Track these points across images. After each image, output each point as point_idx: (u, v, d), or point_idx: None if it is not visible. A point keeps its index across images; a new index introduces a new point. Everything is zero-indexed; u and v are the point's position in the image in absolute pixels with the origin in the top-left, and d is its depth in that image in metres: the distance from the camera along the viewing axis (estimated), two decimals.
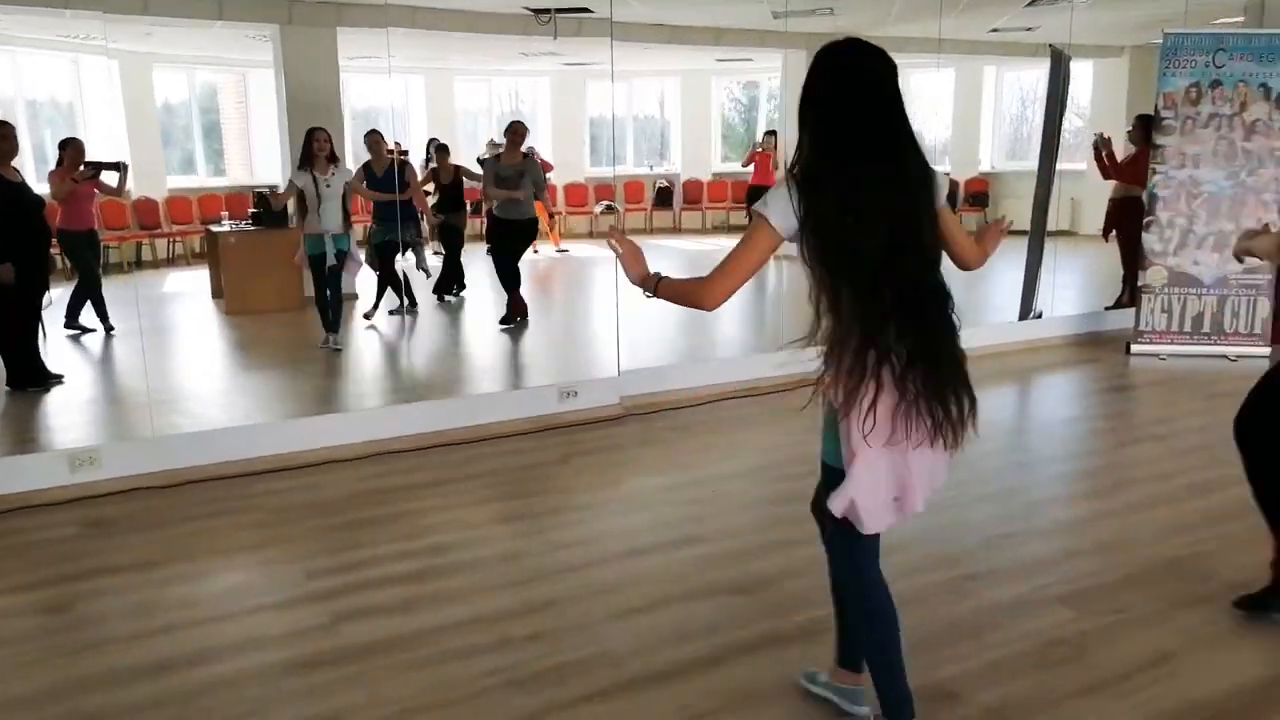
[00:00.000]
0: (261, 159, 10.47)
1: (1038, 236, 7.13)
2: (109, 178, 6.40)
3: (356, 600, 3.05)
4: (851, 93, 1.98)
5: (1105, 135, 7.19)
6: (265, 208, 8.34)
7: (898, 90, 2.02)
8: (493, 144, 11.09)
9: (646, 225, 13.14)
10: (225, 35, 9.64)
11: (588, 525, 3.67)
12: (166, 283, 9.67)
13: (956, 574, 3.19)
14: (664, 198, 13.67)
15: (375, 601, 3.04)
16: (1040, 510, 3.83)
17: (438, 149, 8.54)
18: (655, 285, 2.18)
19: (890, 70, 2.02)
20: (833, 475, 2.18)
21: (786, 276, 10.47)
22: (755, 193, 11.38)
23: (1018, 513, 3.78)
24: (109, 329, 6.39)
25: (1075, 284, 8.53)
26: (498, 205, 7.15)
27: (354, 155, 10.81)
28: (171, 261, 10.27)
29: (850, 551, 2.26)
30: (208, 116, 11.88)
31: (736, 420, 5.09)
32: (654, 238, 12.81)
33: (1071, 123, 13.72)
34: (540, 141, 12.40)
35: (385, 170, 7.22)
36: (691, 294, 2.13)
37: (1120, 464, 4.42)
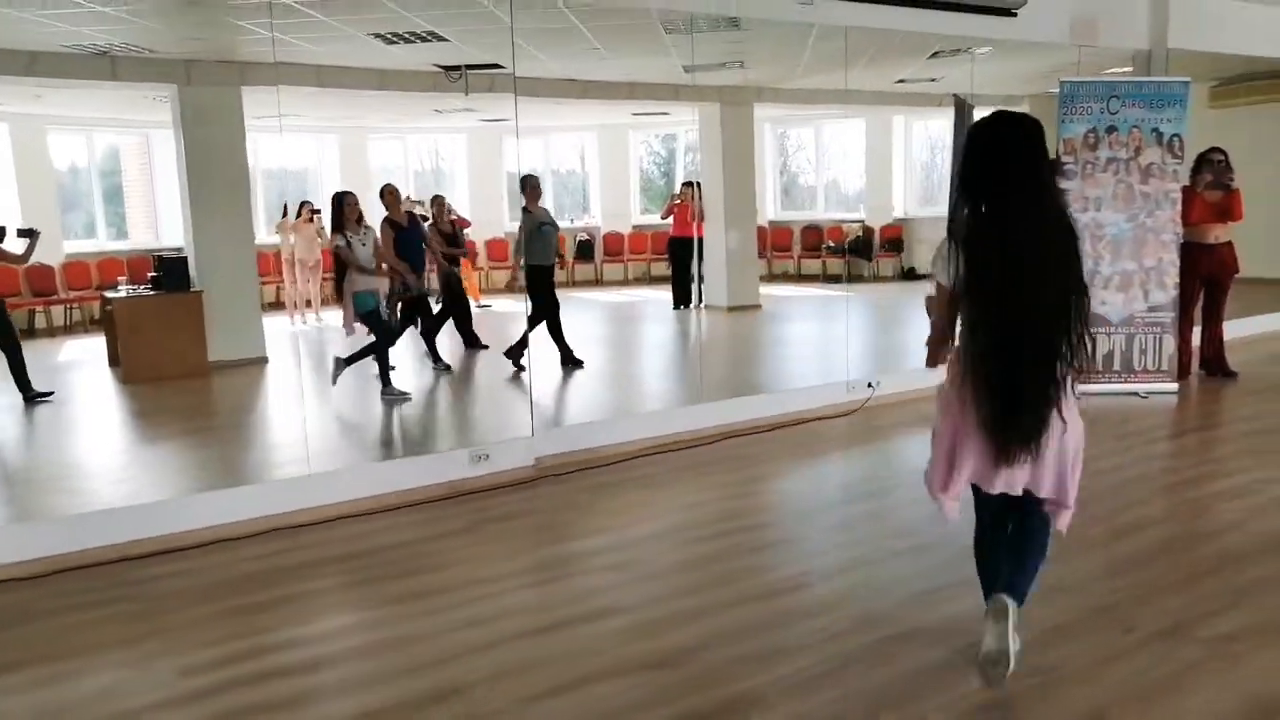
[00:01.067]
0: (168, 221, 10.15)
1: None
2: (14, 244, 6.33)
3: (237, 699, 2.78)
4: (984, 161, 2.45)
5: None
6: (167, 271, 8.05)
7: (1033, 153, 2.45)
8: (409, 200, 10.91)
9: (569, 278, 13.06)
10: (124, 97, 9.34)
11: (496, 600, 3.44)
12: (62, 351, 9.21)
13: (879, 636, 3.06)
14: (585, 250, 13.62)
15: (258, 699, 2.77)
16: (964, 562, 3.71)
17: (436, 201, 8.69)
18: None
19: (1024, 137, 2.45)
20: None
21: (706, 327, 10.45)
22: (675, 243, 11.38)
23: (941, 566, 3.68)
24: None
25: None
26: (541, 254, 7.43)
27: (265, 213, 10.56)
28: (69, 329, 9.82)
29: None
30: (111, 179, 11.49)
31: (656, 478, 4.93)
32: (576, 290, 12.71)
33: None
34: (458, 198, 12.29)
35: (409, 222, 7.33)
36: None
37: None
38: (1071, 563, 3.67)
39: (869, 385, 6.24)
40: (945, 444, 2.68)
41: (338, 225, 6.37)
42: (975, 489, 2.78)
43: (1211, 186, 6.43)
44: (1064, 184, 6.37)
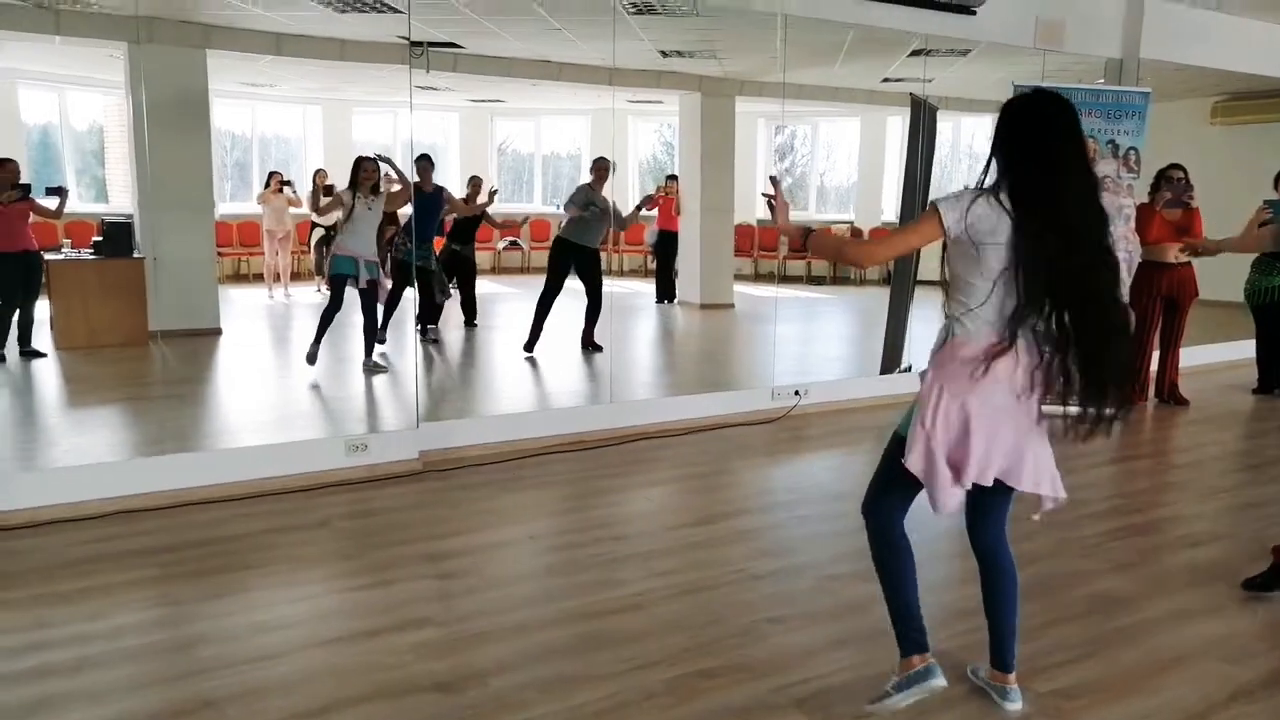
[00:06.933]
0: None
1: (901, 288, 6.93)
2: (48, 201, 6.77)
3: None
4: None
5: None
6: (110, 236, 7.92)
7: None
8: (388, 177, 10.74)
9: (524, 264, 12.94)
10: (94, 55, 9.18)
11: (304, 604, 3.25)
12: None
13: (690, 670, 2.83)
14: None
15: None
16: (827, 590, 3.49)
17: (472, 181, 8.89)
18: (806, 237, 2.57)
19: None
20: None
21: (669, 324, 10.23)
22: (663, 236, 11.15)
23: (801, 592, 3.45)
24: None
25: None
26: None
27: (229, 183, 10.42)
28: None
29: None
30: (92, 139, 11.33)
31: (543, 479, 4.72)
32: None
33: (972, 174, 13.78)
34: (449, 176, 12.12)
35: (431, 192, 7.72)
36: (851, 252, 2.63)
37: (925, 537, 4.10)
38: (937, 595, 3.44)
39: (795, 393, 6.00)
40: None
41: (351, 184, 6.57)
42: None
43: (1171, 205, 6.11)
44: None
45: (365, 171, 6.54)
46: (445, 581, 3.44)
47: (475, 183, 8.90)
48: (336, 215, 7.10)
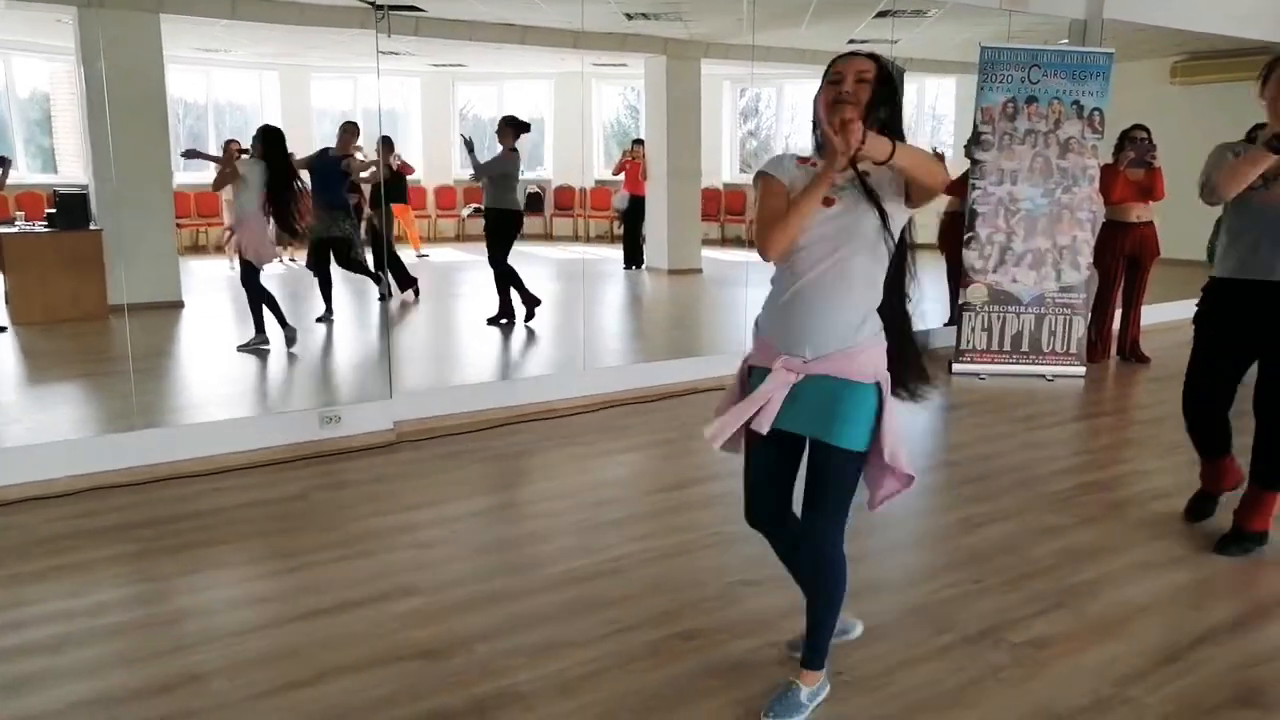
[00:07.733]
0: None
1: None
2: None
3: None
4: None
5: (939, 151, 7.10)
6: (64, 207, 7.76)
7: None
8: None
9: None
10: (34, 18, 8.89)
11: (287, 576, 3.24)
12: None
13: (670, 632, 2.87)
14: (534, 203, 13.25)
15: None
16: None
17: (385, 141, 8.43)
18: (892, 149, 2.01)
19: None
20: None
21: (635, 289, 10.21)
22: (630, 201, 11.10)
23: (774, 555, 3.48)
24: None
25: (941, 297, 8.45)
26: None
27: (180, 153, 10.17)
28: None
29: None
30: (39, 107, 11.02)
31: (515, 448, 4.73)
32: (523, 244, 12.37)
33: (939, 138, 13.84)
34: (410, 143, 11.94)
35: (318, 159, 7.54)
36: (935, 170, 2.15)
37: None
38: (901, 559, 3.51)
39: None
40: None
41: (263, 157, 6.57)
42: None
43: (1134, 164, 6.20)
44: (981, 155, 6.13)
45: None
46: (423, 551, 3.45)
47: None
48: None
